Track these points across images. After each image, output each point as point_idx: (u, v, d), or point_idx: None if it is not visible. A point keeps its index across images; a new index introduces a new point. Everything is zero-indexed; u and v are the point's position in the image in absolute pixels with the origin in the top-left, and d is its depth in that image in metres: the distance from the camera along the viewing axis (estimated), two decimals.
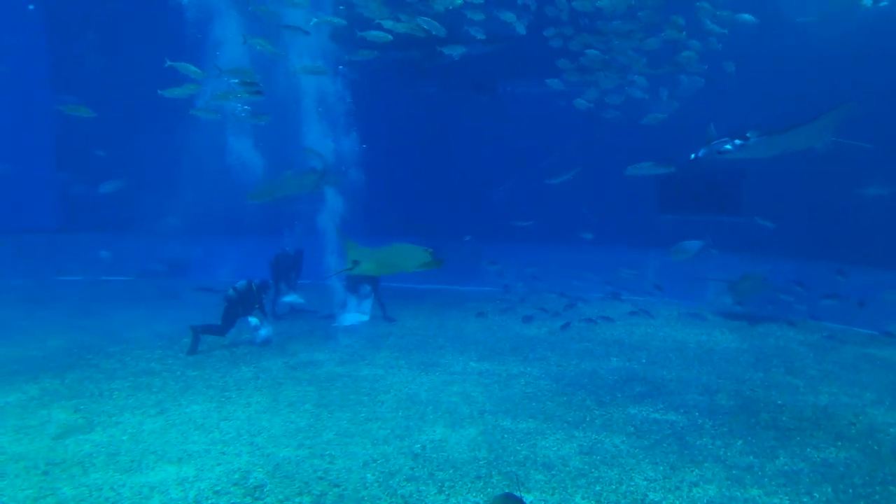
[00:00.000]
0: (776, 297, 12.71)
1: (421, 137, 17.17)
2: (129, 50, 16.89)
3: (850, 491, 5.88)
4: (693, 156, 8.71)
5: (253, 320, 10.67)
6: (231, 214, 15.44)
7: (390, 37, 10.15)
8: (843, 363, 9.93)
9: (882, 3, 12.30)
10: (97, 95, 13.83)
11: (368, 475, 6.02)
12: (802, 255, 13.02)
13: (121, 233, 16.98)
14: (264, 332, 10.77)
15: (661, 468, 6.26)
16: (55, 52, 18.40)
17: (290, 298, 13.03)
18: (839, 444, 6.92)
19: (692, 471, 6.22)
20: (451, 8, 10.42)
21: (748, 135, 8.56)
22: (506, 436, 6.96)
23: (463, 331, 11.80)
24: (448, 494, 5.66)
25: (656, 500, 5.65)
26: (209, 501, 5.50)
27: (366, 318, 12.55)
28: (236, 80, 9.25)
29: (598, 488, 5.82)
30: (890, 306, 11.45)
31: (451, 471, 6.12)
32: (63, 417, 7.42)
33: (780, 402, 8.17)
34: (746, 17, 11.93)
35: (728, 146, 8.53)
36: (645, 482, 5.96)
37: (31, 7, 11.32)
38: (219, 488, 5.74)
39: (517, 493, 4.78)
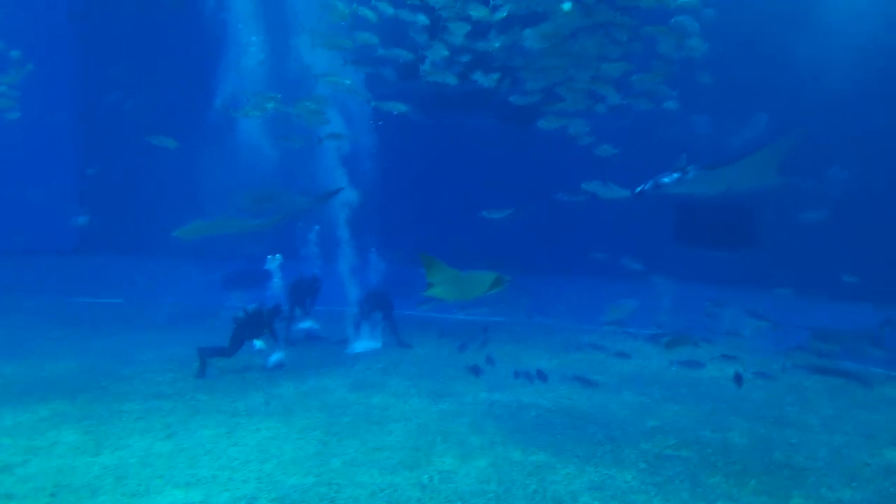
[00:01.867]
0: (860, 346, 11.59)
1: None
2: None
3: None
4: (638, 189, 8.53)
5: (258, 344, 10.67)
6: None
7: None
8: (858, 402, 9.78)
9: None
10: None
11: None
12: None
13: (138, 255, 17.13)
14: (276, 356, 10.79)
15: None
16: (83, 69, 18.82)
17: (307, 325, 13.05)
18: (854, 484, 6.80)
19: None
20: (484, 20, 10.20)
21: (688, 168, 8.32)
22: (515, 468, 6.89)
23: (473, 361, 11.74)
24: None
25: None
26: None
27: (378, 345, 12.54)
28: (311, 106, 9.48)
29: None
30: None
31: (459, 503, 6.06)
32: (72, 439, 7.43)
33: (794, 440, 8.05)
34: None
35: (666, 179, 8.34)
36: None
37: None
38: None
39: None
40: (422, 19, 10.92)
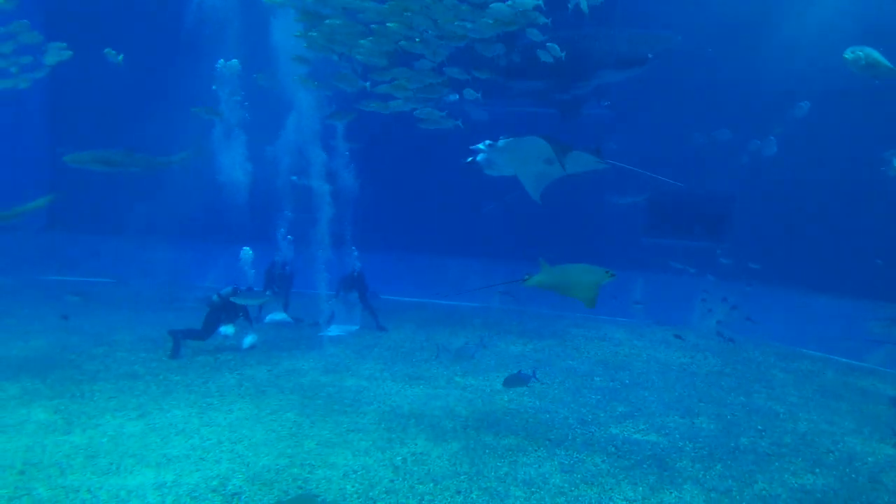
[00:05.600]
0: None
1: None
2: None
3: None
4: (469, 159, 8.66)
5: (227, 329, 10.60)
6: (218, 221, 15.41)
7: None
8: (824, 391, 10.02)
9: None
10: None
11: (348, 486, 6.00)
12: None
13: (107, 234, 16.90)
14: (249, 339, 10.76)
15: (641, 489, 6.29)
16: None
17: (278, 317, 12.95)
18: (817, 471, 6.98)
19: (671, 492, 6.25)
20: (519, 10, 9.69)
21: (499, 137, 8.49)
22: (487, 451, 6.97)
23: (449, 345, 11.80)
24: None
25: None
26: None
27: (355, 327, 12.54)
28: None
29: None
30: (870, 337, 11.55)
31: (431, 484, 6.12)
32: (43, 417, 7.36)
33: (760, 427, 8.23)
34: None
35: (481, 146, 8.52)
36: (624, 502, 5.99)
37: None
38: (197, 494, 5.71)
39: None
40: None
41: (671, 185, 9.58)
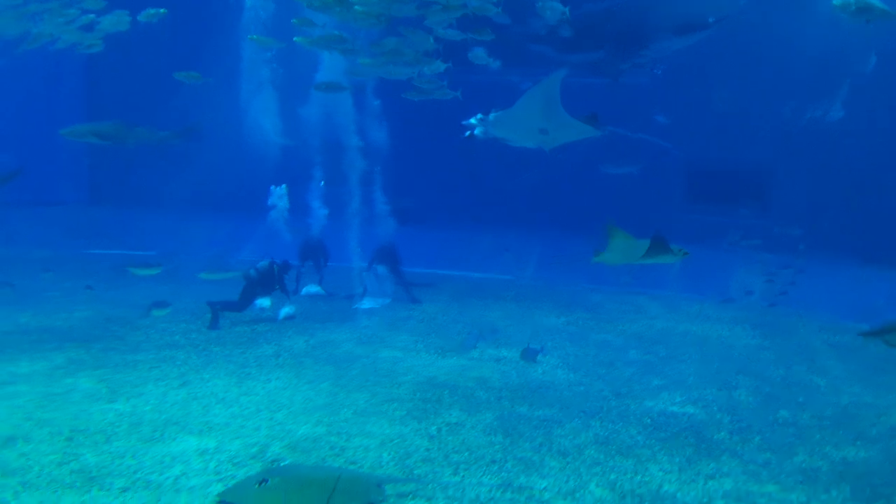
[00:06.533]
0: None
1: None
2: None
3: (869, 490, 5.82)
4: (467, 133, 8.43)
5: (264, 301, 10.78)
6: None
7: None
8: (868, 364, 9.80)
9: None
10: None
11: (384, 454, 6.07)
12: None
13: (147, 208, 17.19)
14: (286, 309, 10.92)
15: (678, 460, 6.25)
16: None
17: (313, 289, 13.10)
18: (859, 443, 6.85)
19: (708, 464, 6.20)
20: None
21: (491, 111, 8.21)
22: (522, 422, 6.98)
23: (483, 318, 11.82)
24: (463, 476, 5.71)
25: (671, 490, 5.64)
26: (228, 473, 5.59)
27: (387, 300, 12.62)
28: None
29: (612, 477, 5.83)
30: None
31: (466, 454, 6.16)
32: (88, 386, 7.57)
33: (800, 399, 8.10)
34: None
35: (472, 120, 8.28)
36: (661, 473, 5.96)
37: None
38: (238, 460, 5.83)
39: None
40: None
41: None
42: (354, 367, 8.67)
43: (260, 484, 4.88)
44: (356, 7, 8.41)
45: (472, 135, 8.39)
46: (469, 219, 15.86)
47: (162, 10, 10.00)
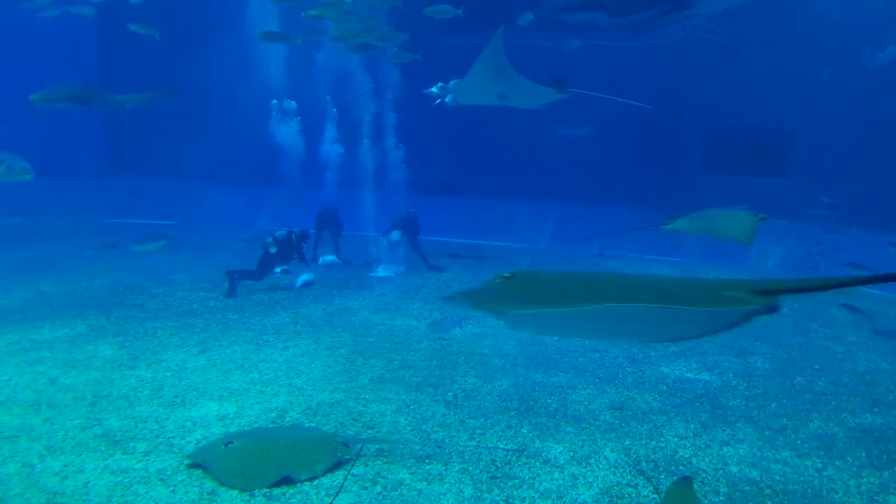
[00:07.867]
0: None
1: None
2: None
3: (885, 457, 5.82)
4: (437, 101, 8.32)
5: (279, 270, 10.88)
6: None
7: None
8: (885, 331, 9.74)
9: None
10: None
11: (401, 419, 6.15)
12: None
13: (166, 177, 17.25)
14: (304, 277, 11.00)
15: (693, 426, 6.28)
16: None
17: (329, 258, 13.18)
18: (876, 410, 6.84)
19: (724, 430, 6.22)
20: None
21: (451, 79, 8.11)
22: (537, 388, 7.03)
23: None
24: (479, 441, 5.77)
25: (686, 456, 5.68)
26: None
27: (402, 268, 12.65)
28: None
29: (627, 442, 5.87)
30: None
31: (482, 419, 6.22)
32: (109, 353, 7.70)
33: (817, 366, 8.08)
34: None
35: (433, 90, 8.19)
36: (675, 439, 5.99)
37: None
38: (258, 425, 5.93)
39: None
40: None
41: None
42: (371, 334, 8.74)
43: (226, 445, 5.15)
44: None
45: (441, 103, 8.32)
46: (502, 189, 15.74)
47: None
